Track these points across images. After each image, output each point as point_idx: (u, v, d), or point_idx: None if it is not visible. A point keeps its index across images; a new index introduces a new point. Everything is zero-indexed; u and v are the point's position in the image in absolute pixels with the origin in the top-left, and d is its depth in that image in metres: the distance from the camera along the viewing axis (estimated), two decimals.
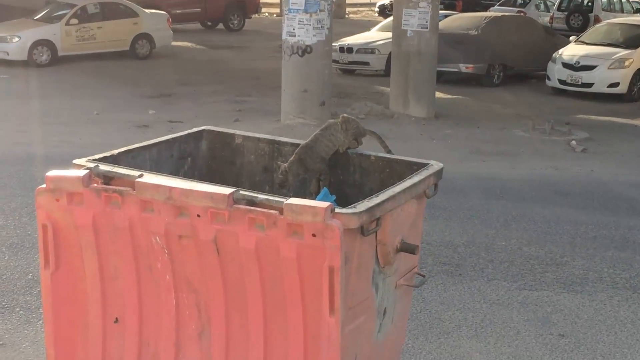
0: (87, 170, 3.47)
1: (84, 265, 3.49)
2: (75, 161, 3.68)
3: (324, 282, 3.10)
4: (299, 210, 3.09)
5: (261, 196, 3.23)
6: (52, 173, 3.44)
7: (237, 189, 3.25)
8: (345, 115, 4.40)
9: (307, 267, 3.13)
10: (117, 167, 3.57)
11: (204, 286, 3.35)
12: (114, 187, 3.41)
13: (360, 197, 3.79)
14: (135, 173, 3.45)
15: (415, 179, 3.70)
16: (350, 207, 3.22)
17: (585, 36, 18.54)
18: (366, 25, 30.27)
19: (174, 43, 22.63)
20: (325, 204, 3.14)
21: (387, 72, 19.07)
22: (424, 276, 4.04)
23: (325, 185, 4.19)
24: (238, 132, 4.47)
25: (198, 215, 3.23)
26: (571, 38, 19.24)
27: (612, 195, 9.10)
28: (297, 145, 4.29)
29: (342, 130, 4.26)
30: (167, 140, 4.22)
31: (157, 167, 4.06)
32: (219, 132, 4.48)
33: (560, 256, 6.92)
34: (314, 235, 3.10)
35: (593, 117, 14.90)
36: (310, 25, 12.40)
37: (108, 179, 3.51)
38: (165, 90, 16.08)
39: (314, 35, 12.45)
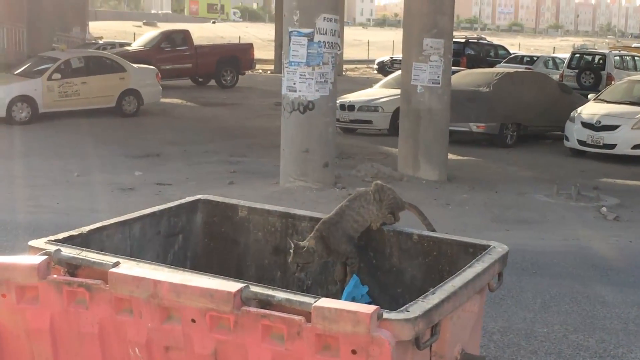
0: (45, 256, 2.68)
1: None
2: (32, 243, 2.89)
3: None
4: (333, 316, 2.29)
5: (280, 295, 2.43)
6: None
7: (246, 283, 2.46)
8: (378, 182, 3.64)
9: None
10: (86, 251, 2.78)
11: None
12: (80, 280, 2.62)
13: (400, 288, 3.02)
14: (110, 260, 2.66)
15: (478, 267, 2.92)
16: (402, 311, 2.42)
17: (604, 94, 17.94)
18: (365, 83, 29.84)
19: (163, 100, 22.03)
20: (369, 309, 2.34)
21: (391, 132, 18.49)
22: None
23: (354, 271, 3.41)
24: (242, 202, 3.70)
25: (193, 320, 2.45)
26: (590, 96, 18.66)
27: None
28: (317, 220, 3.52)
29: (374, 202, 3.50)
30: (154, 214, 3.44)
31: (139, 249, 3.27)
32: (218, 202, 3.71)
33: (615, 347, 6.10)
34: (354, 352, 2.30)
35: (619, 181, 14.17)
36: (312, 79, 11.72)
37: (73, 267, 2.72)
38: (153, 149, 15.37)
39: (316, 91, 11.76)
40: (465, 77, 18.04)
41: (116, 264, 2.59)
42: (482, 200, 11.89)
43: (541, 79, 19.87)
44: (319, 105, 11.81)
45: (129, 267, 2.59)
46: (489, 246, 3.18)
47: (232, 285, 2.42)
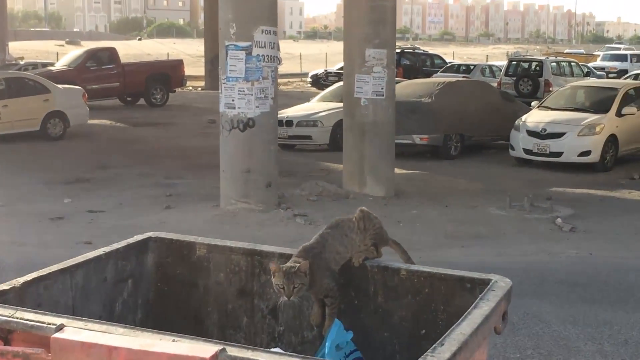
0: None
1: None
2: None
3: None
4: None
5: (264, 357, 2.04)
6: None
7: (221, 345, 2.06)
8: (364, 209, 3.27)
9: None
10: (21, 310, 2.35)
11: None
12: (15, 349, 2.19)
13: (388, 332, 2.65)
14: (52, 321, 2.23)
15: (485, 307, 2.55)
16: None
17: (548, 101, 17.88)
18: (300, 97, 29.55)
19: (90, 121, 21.39)
20: None
21: (331, 147, 18.20)
22: None
23: (334, 313, 3.03)
24: (200, 239, 3.29)
25: None
26: (533, 103, 18.60)
27: (627, 285, 8.09)
28: (288, 256, 3.13)
29: (358, 230, 3.14)
30: (98, 258, 3.01)
31: (83, 300, 2.84)
32: (171, 240, 3.29)
33: None
34: None
35: (569, 190, 14.04)
36: (252, 95, 11.32)
37: (6, 332, 2.29)
38: (82, 174, 14.80)
39: (256, 107, 11.37)
40: (406, 88, 17.80)
41: (60, 328, 2.16)
42: (433, 215, 11.61)
43: (483, 87, 19.79)
44: (260, 122, 11.42)
45: (76, 331, 2.16)
46: (489, 280, 2.82)
47: (205, 349, 2.01)
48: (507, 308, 2.78)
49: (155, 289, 3.25)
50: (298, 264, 3.01)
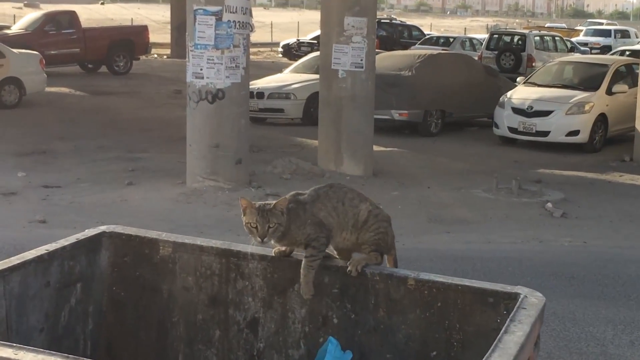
0: None
1: None
2: None
3: None
4: None
5: None
6: None
7: None
8: (373, 203, 2.95)
9: None
10: None
11: None
12: None
13: (390, 353, 2.23)
14: None
15: (519, 333, 2.12)
16: None
17: (535, 77, 17.50)
18: (271, 67, 28.99)
19: (48, 89, 20.74)
20: None
21: (304, 121, 17.74)
22: None
23: (311, 265, 2.71)
24: (164, 235, 2.83)
25: None
26: (518, 79, 18.23)
27: (627, 278, 7.71)
28: (270, 259, 2.69)
29: (357, 219, 2.83)
30: (39, 258, 2.54)
31: (20, 310, 2.38)
32: (130, 235, 2.82)
33: None
34: None
35: (557, 172, 13.67)
36: (222, 64, 10.82)
37: None
38: (38, 146, 14.22)
39: (227, 77, 10.87)
40: (385, 60, 17.31)
41: None
42: (414, 197, 11.20)
43: (466, 61, 19.34)
44: (230, 93, 10.93)
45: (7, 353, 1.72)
46: (517, 295, 2.39)
47: None
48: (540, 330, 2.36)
49: (110, 294, 2.79)
50: (274, 202, 2.85)
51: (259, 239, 2.71)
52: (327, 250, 2.97)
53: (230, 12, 10.78)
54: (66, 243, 2.67)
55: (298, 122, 18.12)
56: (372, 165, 12.77)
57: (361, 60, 12.31)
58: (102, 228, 2.83)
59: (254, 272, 2.76)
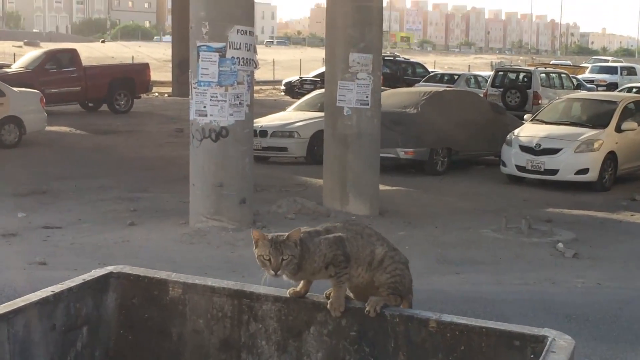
0: None
1: None
2: None
3: None
4: None
5: None
6: None
7: None
8: (389, 244, 2.93)
9: None
10: None
11: None
12: None
13: None
14: None
15: None
16: None
17: (542, 114, 17.47)
18: (274, 106, 29.01)
19: (48, 128, 20.76)
20: None
21: (308, 160, 17.71)
22: None
23: (340, 281, 2.69)
24: (174, 276, 2.76)
25: None
26: (526, 116, 18.21)
27: None
28: (285, 300, 2.62)
29: (379, 267, 2.78)
30: (45, 301, 2.47)
31: (25, 355, 2.30)
32: (138, 276, 2.75)
33: None
34: None
35: (567, 211, 13.59)
36: (225, 101, 10.80)
37: None
38: (38, 186, 14.17)
39: (230, 115, 10.84)
40: (390, 98, 17.31)
41: None
42: (422, 237, 11.12)
43: (472, 98, 19.39)
44: (234, 131, 10.89)
45: None
46: (545, 338, 2.32)
47: None
48: None
49: (117, 338, 2.72)
50: (287, 233, 2.87)
51: (272, 272, 2.69)
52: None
53: (234, 49, 10.78)
54: (72, 284, 2.61)
55: (302, 160, 18.09)
56: (379, 204, 12.71)
57: (367, 97, 12.30)
58: (110, 268, 2.77)
59: (268, 314, 2.69)
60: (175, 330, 2.73)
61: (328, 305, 2.76)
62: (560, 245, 10.69)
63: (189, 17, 11.12)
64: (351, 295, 2.99)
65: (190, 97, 11.13)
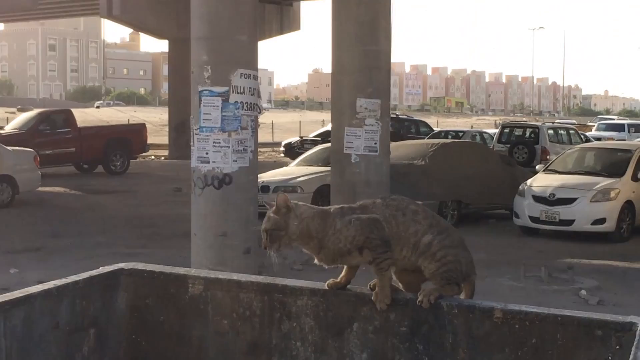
0: None
1: None
2: None
3: None
4: None
5: None
6: None
7: None
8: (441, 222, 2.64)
9: None
10: None
11: None
12: None
13: None
14: None
15: None
16: None
17: (555, 164, 17.25)
18: (273, 167, 28.82)
19: (42, 188, 20.50)
20: None
21: None
22: None
23: (381, 268, 2.45)
24: (194, 271, 2.47)
25: None
26: (538, 167, 17.99)
27: None
28: (322, 293, 2.33)
29: (426, 252, 2.53)
30: (47, 293, 2.18)
31: (23, 354, 2.00)
32: (153, 273, 2.46)
33: None
34: None
35: (585, 261, 13.30)
36: (229, 147, 10.54)
37: None
38: (31, 243, 13.89)
39: (234, 161, 10.57)
40: (397, 150, 17.10)
41: None
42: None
43: (481, 150, 19.24)
44: (238, 178, 10.61)
45: None
46: (632, 325, 2.02)
47: None
48: None
49: (129, 343, 2.42)
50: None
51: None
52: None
53: (238, 93, 10.56)
54: (78, 278, 2.32)
55: None
56: None
57: (375, 143, 12.10)
58: (121, 265, 2.48)
59: (303, 311, 2.39)
60: (196, 334, 2.42)
61: (372, 297, 2.48)
62: (583, 292, 10.39)
63: (190, 63, 10.94)
64: (400, 285, 2.72)
65: (191, 143, 10.88)
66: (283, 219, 2.56)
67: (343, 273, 2.77)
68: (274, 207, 2.56)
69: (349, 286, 2.68)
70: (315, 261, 2.71)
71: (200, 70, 10.63)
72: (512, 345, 2.20)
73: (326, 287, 2.57)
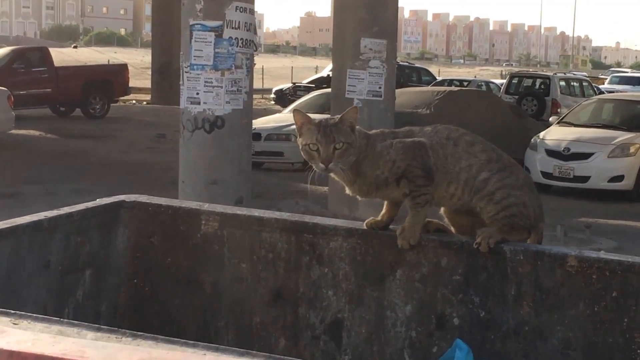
0: None
1: None
2: None
3: None
4: None
5: None
6: None
7: None
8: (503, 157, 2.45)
9: None
10: None
11: None
12: None
13: None
14: None
15: None
16: None
17: (570, 116, 17.07)
18: (262, 114, 28.57)
19: (16, 131, 20.25)
20: None
21: (306, 166, 17.19)
22: None
23: (417, 203, 2.52)
24: (207, 206, 2.23)
25: None
26: (551, 118, 17.80)
27: None
28: (358, 233, 2.11)
29: (482, 190, 2.28)
30: (37, 225, 1.94)
31: (8, 296, 1.77)
32: (160, 206, 2.22)
33: None
34: None
35: (602, 220, 13.13)
36: (222, 87, 10.27)
37: None
38: (4, 189, 13.66)
39: (227, 103, 10.31)
40: (400, 97, 16.82)
41: None
42: None
43: (490, 99, 19.04)
44: (231, 121, 10.36)
45: None
46: None
47: None
48: None
49: (130, 288, 2.19)
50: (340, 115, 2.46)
51: (321, 166, 2.30)
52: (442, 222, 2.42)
53: (232, 28, 10.28)
54: (72, 210, 2.09)
55: (299, 167, 17.58)
56: None
57: (379, 87, 11.85)
58: (122, 197, 2.25)
59: (337, 254, 2.16)
60: (209, 279, 2.20)
61: (397, 231, 2.27)
62: (602, 253, 10.19)
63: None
64: (452, 229, 2.50)
65: (180, 82, 10.61)
66: (354, 137, 2.34)
67: (384, 210, 2.55)
68: (339, 122, 2.33)
69: (391, 226, 2.46)
70: (347, 191, 2.49)
71: (192, 2, 10.33)
72: (587, 299, 1.99)
73: (365, 227, 2.36)
